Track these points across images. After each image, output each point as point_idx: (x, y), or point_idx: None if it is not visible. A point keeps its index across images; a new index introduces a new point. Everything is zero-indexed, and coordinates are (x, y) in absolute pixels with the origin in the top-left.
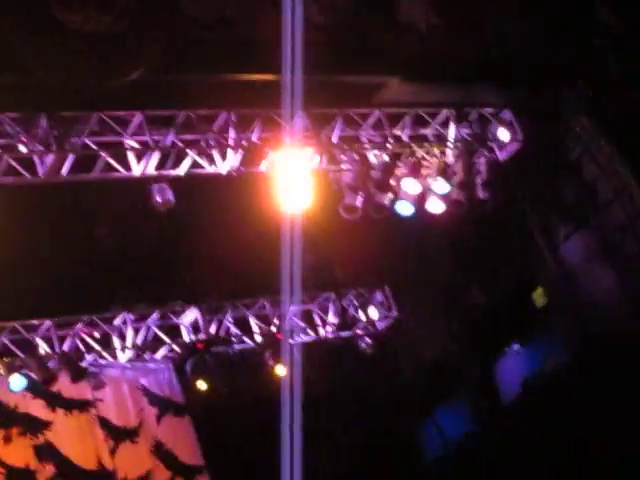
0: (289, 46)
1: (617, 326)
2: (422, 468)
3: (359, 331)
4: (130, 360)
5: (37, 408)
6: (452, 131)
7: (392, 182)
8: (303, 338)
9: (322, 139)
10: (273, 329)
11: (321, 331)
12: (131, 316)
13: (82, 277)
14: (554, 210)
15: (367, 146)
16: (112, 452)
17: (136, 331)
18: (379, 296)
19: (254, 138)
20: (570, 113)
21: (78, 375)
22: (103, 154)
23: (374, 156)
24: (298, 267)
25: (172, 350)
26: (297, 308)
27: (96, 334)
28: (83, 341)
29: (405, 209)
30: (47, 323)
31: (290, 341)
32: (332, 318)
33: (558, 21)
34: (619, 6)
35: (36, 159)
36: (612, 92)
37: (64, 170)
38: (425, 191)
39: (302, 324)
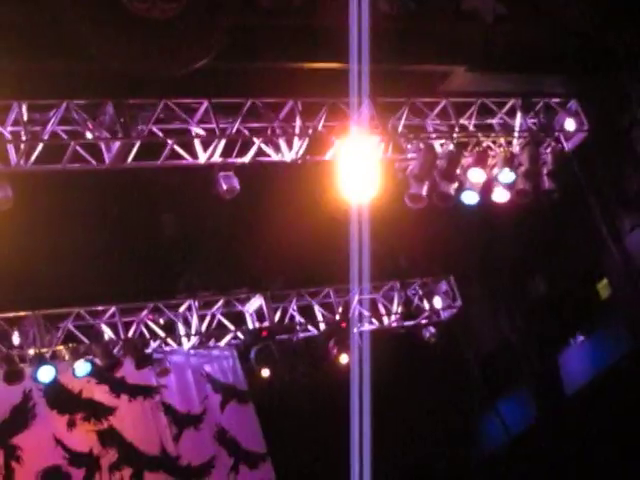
0: (355, 34)
1: None
2: (484, 457)
3: (423, 320)
4: (194, 347)
5: (101, 394)
6: (518, 121)
7: (458, 171)
8: (368, 327)
9: (388, 128)
10: (337, 318)
11: (385, 320)
12: (196, 303)
13: (148, 264)
14: (619, 201)
15: (433, 135)
16: (175, 438)
17: (201, 318)
18: (444, 286)
19: (320, 126)
20: (637, 103)
21: (142, 361)
22: (169, 141)
23: (440, 145)
24: (365, 256)
25: (236, 337)
26: (363, 297)
27: (161, 321)
28: (148, 327)
29: (470, 199)
30: (112, 309)
31: (355, 330)
32: (397, 307)
33: (627, 10)
34: None
35: (102, 146)
36: None
37: (130, 157)
38: (490, 181)
39: (367, 313)
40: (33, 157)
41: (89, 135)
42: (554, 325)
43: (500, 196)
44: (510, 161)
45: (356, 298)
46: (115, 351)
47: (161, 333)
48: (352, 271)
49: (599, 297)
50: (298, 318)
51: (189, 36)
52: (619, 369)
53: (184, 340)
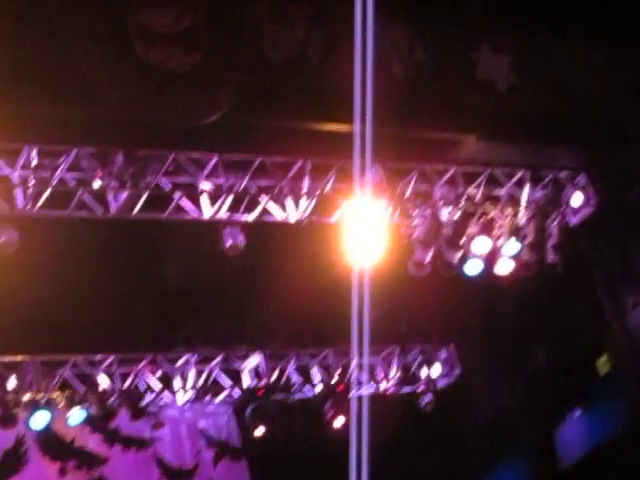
0: (365, 97)
1: None
2: None
3: (421, 387)
4: (190, 401)
5: (95, 443)
6: (526, 192)
7: (463, 240)
8: (365, 391)
9: (395, 193)
10: (335, 380)
11: (383, 385)
12: (194, 357)
13: (148, 315)
14: (623, 277)
15: (440, 203)
16: None
17: (198, 373)
18: (443, 353)
19: (328, 188)
20: None
21: (138, 413)
22: (176, 194)
23: (446, 213)
24: (366, 320)
25: (232, 395)
26: (362, 360)
27: (158, 373)
28: (144, 379)
29: (474, 268)
30: (110, 359)
31: (352, 393)
32: (395, 372)
33: (637, 85)
34: None
35: (110, 195)
36: None
37: (137, 208)
38: (495, 251)
39: (365, 377)
40: (40, 202)
41: (97, 183)
42: (553, 398)
43: (504, 267)
44: (515, 232)
45: (355, 361)
46: (111, 401)
47: (158, 386)
48: (352, 334)
49: (598, 373)
50: (295, 378)
51: (203, 90)
52: (615, 445)
53: (180, 394)
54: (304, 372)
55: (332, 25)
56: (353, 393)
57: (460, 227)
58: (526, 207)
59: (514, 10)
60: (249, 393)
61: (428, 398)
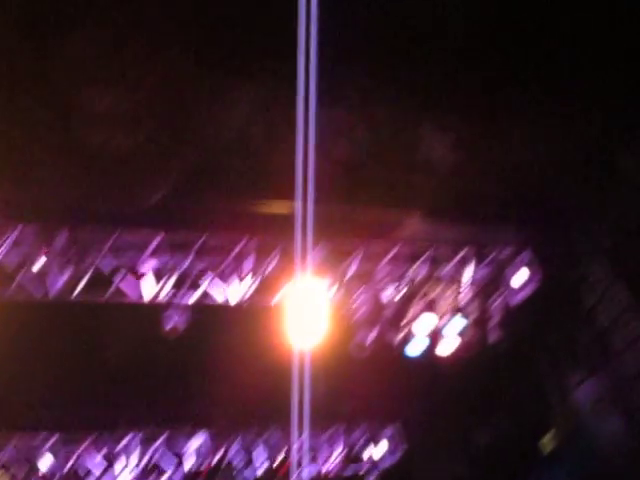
0: (306, 178)
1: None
2: None
3: (366, 466)
4: None
5: None
6: (469, 271)
7: (405, 320)
8: (310, 471)
9: (338, 272)
10: (279, 460)
11: (328, 465)
12: (138, 437)
13: (92, 395)
14: (566, 356)
15: (383, 282)
16: None
17: (142, 453)
18: (388, 432)
19: (270, 268)
20: (587, 259)
21: None
22: (118, 276)
23: (389, 293)
24: (307, 401)
25: (176, 475)
26: (305, 440)
27: (102, 451)
28: (88, 458)
29: (417, 348)
30: (53, 438)
31: (297, 473)
32: (339, 452)
33: (579, 165)
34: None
35: (50, 277)
36: (629, 239)
37: (77, 290)
38: (438, 330)
39: (309, 456)
40: None
41: (38, 265)
42: (497, 476)
43: (447, 347)
44: (458, 311)
45: (298, 442)
46: None
47: (101, 465)
48: (294, 415)
49: (544, 450)
50: (240, 458)
51: (144, 171)
52: None
53: (124, 473)
54: (248, 452)
55: (274, 107)
56: (295, 475)
57: (403, 307)
58: (469, 286)
59: (457, 89)
60: (193, 474)
61: (373, 477)
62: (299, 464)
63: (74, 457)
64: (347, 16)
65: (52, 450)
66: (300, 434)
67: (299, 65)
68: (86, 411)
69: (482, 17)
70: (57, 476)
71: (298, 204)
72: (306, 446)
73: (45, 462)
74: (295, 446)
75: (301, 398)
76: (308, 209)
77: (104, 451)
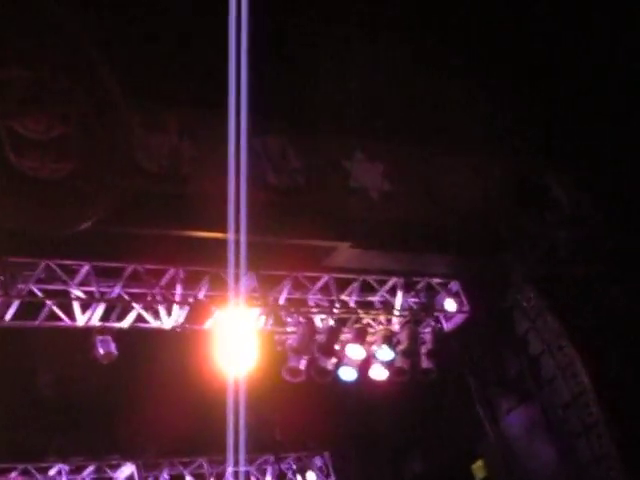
0: (236, 205)
1: None
2: None
3: None
4: None
5: None
6: (399, 299)
7: (337, 347)
8: None
9: (269, 300)
10: None
11: None
12: (66, 467)
13: (20, 424)
14: (497, 383)
15: (314, 310)
16: None
17: None
18: (318, 461)
19: (201, 295)
20: (518, 287)
21: None
22: (48, 302)
23: (320, 320)
24: (241, 428)
25: None
26: (237, 469)
27: None
28: None
29: (348, 374)
30: None
31: None
32: None
33: (511, 194)
34: (570, 186)
35: None
36: (561, 268)
37: (8, 315)
38: (369, 357)
39: None
40: None
41: None
42: None
43: (378, 373)
44: (389, 339)
45: (229, 470)
46: None
47: None
48: (228, 442)
49: (474, 478)
50: None
51: (75, 198)
52: None
53: None
54: None
55: (204, 134)
56: None
57: (334, 334)
58: (399, 314)
59: (386, 121)
60: None
61: None
62: None
63: None
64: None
65: None
66: (235, 461)
67: (230, 90)
68: (14, 441)
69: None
70: None
71: (230, 231)
72: (242, 473)
73: None
74: (229, 473)
75: (236, 424)
76: (241, 237)
77: None
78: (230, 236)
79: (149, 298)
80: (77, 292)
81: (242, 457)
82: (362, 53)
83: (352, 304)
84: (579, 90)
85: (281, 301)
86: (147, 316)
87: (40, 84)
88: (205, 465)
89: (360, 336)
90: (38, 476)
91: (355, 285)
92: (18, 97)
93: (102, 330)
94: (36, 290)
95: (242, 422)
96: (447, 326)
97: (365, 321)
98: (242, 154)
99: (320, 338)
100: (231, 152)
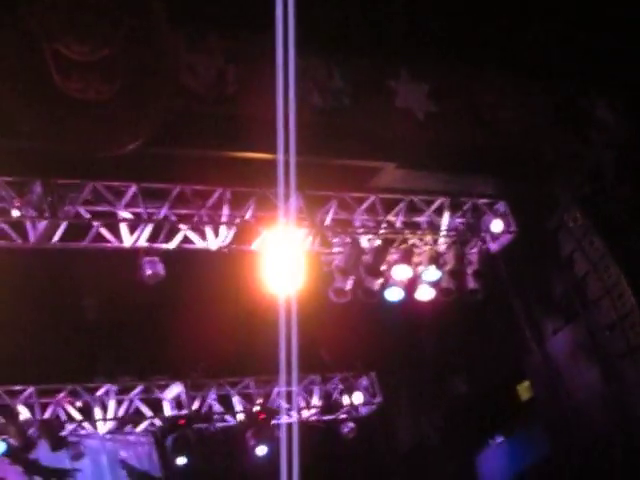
0: (284, 126)
1: (597, 429)
2: None
3: (342, 415)
4: (111, 432)
5: (14, 475)
6: (445, 220)
7: (383, 267)
8: (287, 419)
9: (315, 221)
10: (256, 408)
11: (305, 413)
12: (114, 388)
13: (67, 345)
14: (543, 304)
15: (360, 230)
16: None
17: (118, 403)
18: (364, 381)
19: (247, 216)
20: (564, 208)
21: (57, 444)
22: (95, 223)
23: (366, 241)
24: (290, 348)
25: (153, 424)
26: (282, 389)
27: (78, 403)
28: (64, 410)
29: (395, 295)
30: (29, 390)
31: (274, 421)
32: (316, 401)
33: (557, 115)
34: (617, 108)
35: (28, 224)
36: (607, 188)
37: (56, 237)
38: (415, 278)
39: (286, 405)
40: None
41: (15, 213)
42: (474, 425)
43: (424, 294)
44: (436, 259)
45: (277, 389)
46: (30, 432)
47: (77, 416)
48: (280, 363)
49: (520, 399)
50: (217, 407)
51: (121, 119)
52: (537, 471)
53: (100, 424)
54: (225, 401)
55: (250, 55)
56: (275, 421)
57: (380, 254)
58: (445, 234)
59: (432, 39)
60: (170, 423)
61: (350, 426)
62: (280, 411)
63: (50, 409)
64: None
65: (28, 402)
66: (286, 381)
67: (277, 14)
68: (62, 362)
69: None
70: (34, 427)
71: (279, 152)
72: (294, 392)
73: (22, 414)
74: (276, 393)
75: (288, 344)
76: (290, 157)
77: (79, 403)
78: (279, 156)
79: (196, 219)
80: (124, 213)
81: (294, 377)
82: None
83: (398, 224)
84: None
85: (327, 222)
86: (194, 237)
87: (83, 6)
88: (252, 385)
89: (406, 256)
90: (86, 396)
91: (401, 205)
92: (62, 19)
93: (149, 251)
94: (83, 212)
95: (292, 343)
96: (493, 247)
97: (411, 241)
98: (290, 74)
99: (366, 259)
100: (279, 73)
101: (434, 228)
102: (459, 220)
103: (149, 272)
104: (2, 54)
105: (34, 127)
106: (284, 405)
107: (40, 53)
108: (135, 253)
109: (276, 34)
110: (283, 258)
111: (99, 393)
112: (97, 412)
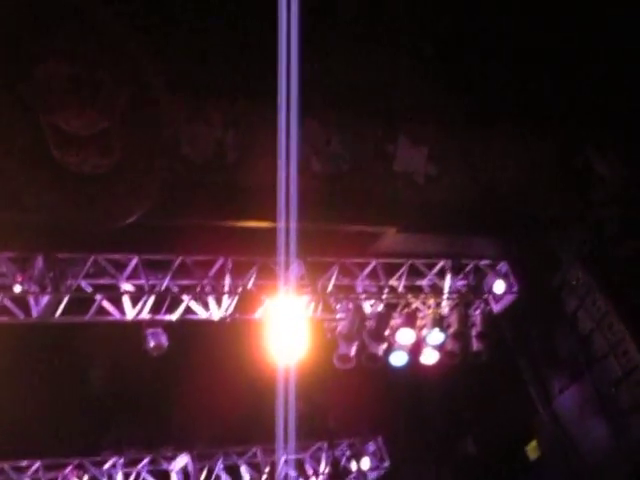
0: (285, 194)
1: None
2: None
3: None
4: None
5: None
6: (448, 282)
7: (387, 332)
8: None
9: (318, 288)
10: (264, 478)
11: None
12: (121, 461)
13: (74, 419)
14: (549, 363)
15: (362, 296)
16: None
17: (126, 476)
18: (372, 446)
19: (250, 285)
20: (566, 266)
21: None
22: (98, 297)
23: (369, 306)
24: (292, 416)
25: None
26: (290, 457)
27: (85, 478)
28: None
29: (399, 359)
30: (36, 464)
31: None
32: (324, 468)
33: (557, 173)
34: (616, 163)
35: (31, 299)
36: (609, 246)
37: (58, 311)
38: (420, 341)
39: (294, 473)
40: None
41: (17, 288)
42: None
43: (429, 357)
44: (439, 322)
45: (283, 458)
46: None
47: None
48: (278, 431)
49: (528, 459)
50: (224, 477)
51: (121, 192)
52: None
53: None
54: (233, 471)
55: (249, 121)
56: None
57: (383, 319)
58: (448, 297)
59: (429, 102)
60: None
61: None
62: (286, 479)
63: None
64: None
65: (35, 477)
66: (285, 449)
67: (280, 81)
68: (68, 436)
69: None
70: None
71: (281, 220)
72: (291, 460)
73: None
74: (281, 462)
75: (285, 414)
76: (291, 225)
77: (86, 477)
78: (280, 224)
79: (198, 289)
80: (126, 286)
81: (292, 445)
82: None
83: (401, 289)
84: (623, 66)
85: (329, 288)
86: (197, 307)
87: (79, 79)
88: (259, 454)
89: (410, 320)
90: (93, 470)
91: (403, 269)
92: (58, 93)
93: (152, 322)
94: (85, 285)
95: (293, 410)
96: (496, 307)
97: (414, 305)
98: (292, 142)
99: (370, 324)
100: (281, 138)
101: (436, 291)
102: (461, 282)
103: (153, 343)
104: (5, 129)
105: (35, 200)
106: (292, 474)
107: (40, 127)
108: (139, 324)
109: (279, 99)
110: (286, 326)
111: (106, 467)
112: None
